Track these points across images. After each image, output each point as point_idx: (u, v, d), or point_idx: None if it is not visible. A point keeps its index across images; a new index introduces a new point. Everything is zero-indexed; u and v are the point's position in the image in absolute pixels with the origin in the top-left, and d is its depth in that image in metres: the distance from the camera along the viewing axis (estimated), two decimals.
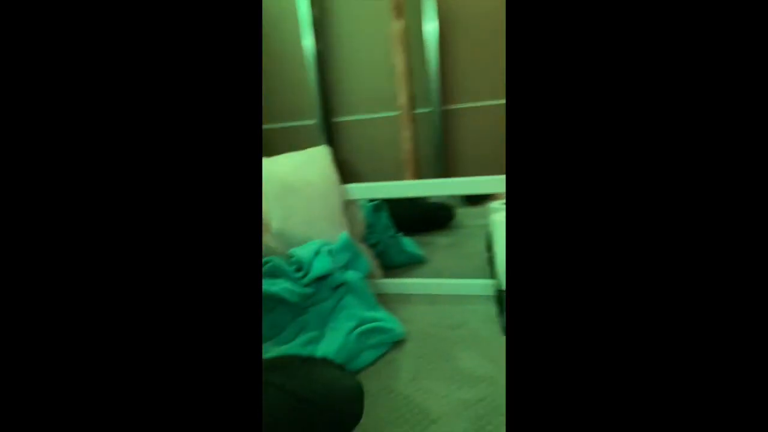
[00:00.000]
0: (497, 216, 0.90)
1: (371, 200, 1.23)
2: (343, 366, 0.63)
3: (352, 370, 0.76)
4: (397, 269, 1.21)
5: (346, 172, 1.10)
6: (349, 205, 1.10)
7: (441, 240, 1.45)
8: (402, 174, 1.19)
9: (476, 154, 1.76)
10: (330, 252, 0.89)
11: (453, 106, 1.81)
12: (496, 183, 0.93)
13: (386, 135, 1.42)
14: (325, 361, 0.62)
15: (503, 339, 0.84)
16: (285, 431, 0.49)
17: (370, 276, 1.03)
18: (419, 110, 1.73)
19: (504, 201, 0.97)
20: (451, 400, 0.69)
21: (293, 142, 1.11)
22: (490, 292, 1.01)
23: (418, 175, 1.32)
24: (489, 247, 1.05)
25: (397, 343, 0.85)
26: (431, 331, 0.89)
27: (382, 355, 0.82)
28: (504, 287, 0.83)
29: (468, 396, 0.69)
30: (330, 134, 1.09)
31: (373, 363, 0.79)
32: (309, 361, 0.61)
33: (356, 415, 0.58)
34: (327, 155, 1.05)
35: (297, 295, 0.80)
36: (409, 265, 1.24)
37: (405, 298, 1.03)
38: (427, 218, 1.54)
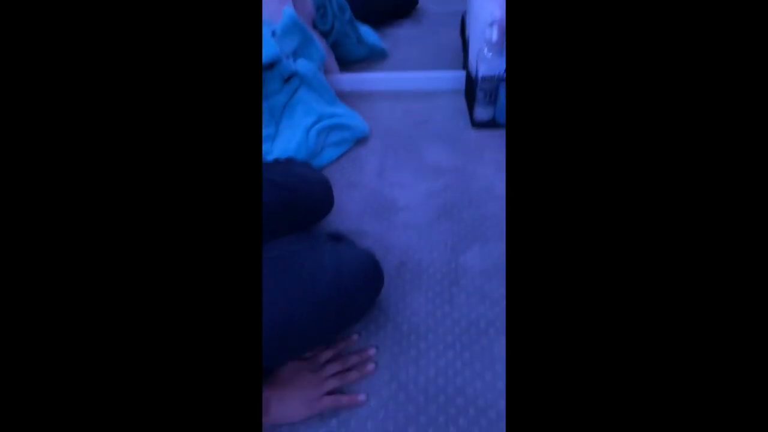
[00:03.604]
0: None
1: None
2: (310, 165, 0.61)
3: (316, 168, 0.72)
4: (355, 64, 1.06)
5: None
6: None
7: (404, 31, 1.25)
8: None
9: None
10: (273, 33, 0.72)
11: None
12: None
13: None
14: (291, 160, 0.60)
15: (471, 132, 0.81)
16: (269, 214, 0.49)
17: (325, 69, 0.89)
18: None
19: None
20: (417, 190, 0.69)
21: None
22: (460, 84, 0.92)
23: None
24: (464, 32, 0.90)
25: (361, 140, 0.80)
26: (395, 127, 0.83)
27: (346, 153, 0.77)
28: (477, 74, 0.75)
29: (434, 186, 0.69)
30: None
31: (336, 160, 0.75)
32: (278, 161, 0.59)
33: (329, 201, 0.59)
34: None
35: None
36: (369, 59, 1.08)
37: (367, 95, 0.93)
38: (387, 6, 1.29)
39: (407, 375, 0.46)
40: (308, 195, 0.55)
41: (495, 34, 0.71)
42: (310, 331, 0.44)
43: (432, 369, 0.46)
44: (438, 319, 0.51)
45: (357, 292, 0.46)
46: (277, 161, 0.59)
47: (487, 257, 0.58)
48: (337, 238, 0.51)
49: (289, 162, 0.60)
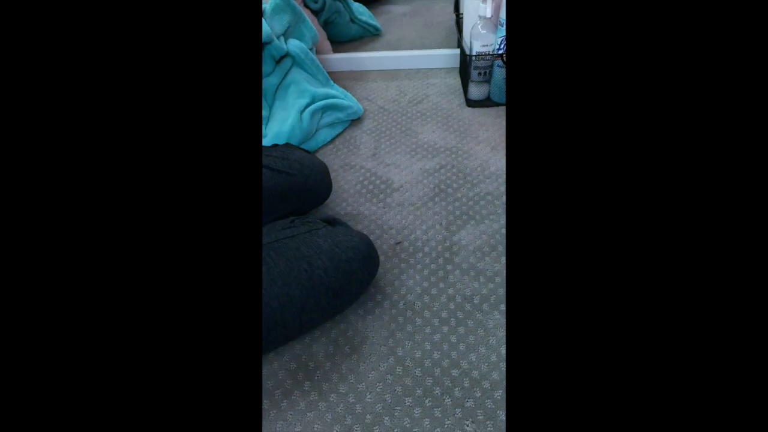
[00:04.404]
0: None
1: None
2: (307, 150, 0.61)
3: (311, 150, 0.72)
4: (349, 44, 1.04)
5: None
6: None
7: (397, 8, 1.23)
8: None
9: None
10: (263, 13, 0.70)
11: None
12: None
13: None
14: (289, 145, 0.60)
15: (465, 111, 0.80)
16: (266, 200, 0.50)
17: (318, 49, 0.87)
18: None
19: None
20: (413, 170, 0.69)
21: None
22: (455, 62, 0.91)
23: None
24: (457, 7, 0.89)
25: (355, 121, 0.79)
26: (390, 107, 0.83)
27: (340, 134, 0.77)
28: (471, 51, 0.74)
29: (429, 165, 0.70)
30: None
31: (331, 141, 0.75)
32: (276, 146, 0.59)
33: (327, 187, 0.60)
34: None
35: None
36: (363, 38, 1.06)
37: (360, 75, 0.92)
38: None
39: (404, 350, 0.47)
40: (306, 181, 0.55)
41: (489, 9, 0.69)
42: (308, 314, 0.45)
43: (428, 343, 0.48)
44: (433, 295, 0.52)
45: (353, 275, 0.46)
46: (275, 146, 0.60)
47: (481, 235, 0.58)
48: (332, 222, 0.52)
49: (286, 147, 0.60)
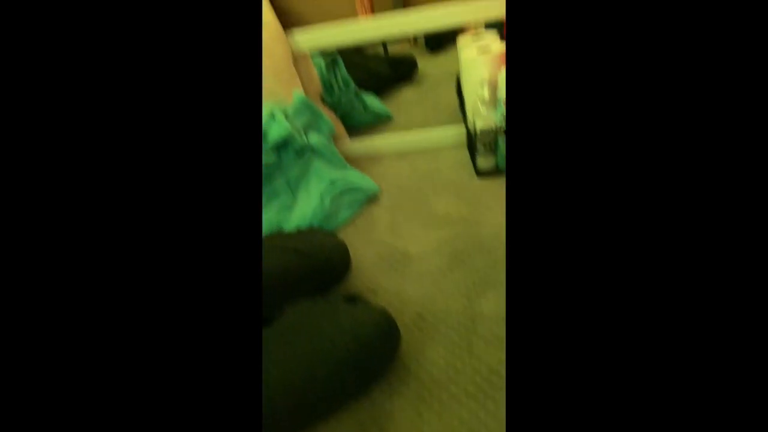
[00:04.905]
0: (466, 53, 0.80)
1: (324, 56, 1.08)
2: (329, 231, 0.67)
3: (332, 229, 0.77)
4: (363, 129, 1.15)
5: (288, 17, 0.93)
6: (299, 60, 0.96)
7: (405, 94, 1.35)
8: (354, 12, 1.02)
9: None
10: (286, 115, 0.80)
11: None
12: (467, 12, 0.81)
13: None
14: (312, 228, 0.66)
15: (476, 181, 0.85)
16: (292, 280, 0.54)
17: (334, 138, 0.97)
18: None
19: (475, 33, 0.86)
20: (429, 240, 0.72)
21: None
22: (461, 138, 0.98)
23: (373, 9, 1.13)
24: (459, 91, 0.98)
25: (371, 199, 0.85)
26: (404, 183, 0.88)
27: (359, 212, 0.82)
28: (475, 128, 0.80)
29: (444, 235, 0.72)
30: None
31: (350, 220, 0.80)
32: (301, 230, 0.65)
33: (346, 265, 0.63)
34: None
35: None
36: (376, 124, 1.17)
37: (375, 158, 0.99)
38: (388, 72, 1.41)
39: (432, 428, 0.46)
40: (327, 260, 0.59)
41: (486, 92, 0.77)
42: (333, 393, 0.45)
43: (456, 421, 0.46)
44: (458, 369, 0.51)
45: (375, 352, 0.47)
46: (299, 231, 0.64)
47: (502, 302, 0.58)
48: (353, 299, 0.54)
49: (310, 231, 0.65)
